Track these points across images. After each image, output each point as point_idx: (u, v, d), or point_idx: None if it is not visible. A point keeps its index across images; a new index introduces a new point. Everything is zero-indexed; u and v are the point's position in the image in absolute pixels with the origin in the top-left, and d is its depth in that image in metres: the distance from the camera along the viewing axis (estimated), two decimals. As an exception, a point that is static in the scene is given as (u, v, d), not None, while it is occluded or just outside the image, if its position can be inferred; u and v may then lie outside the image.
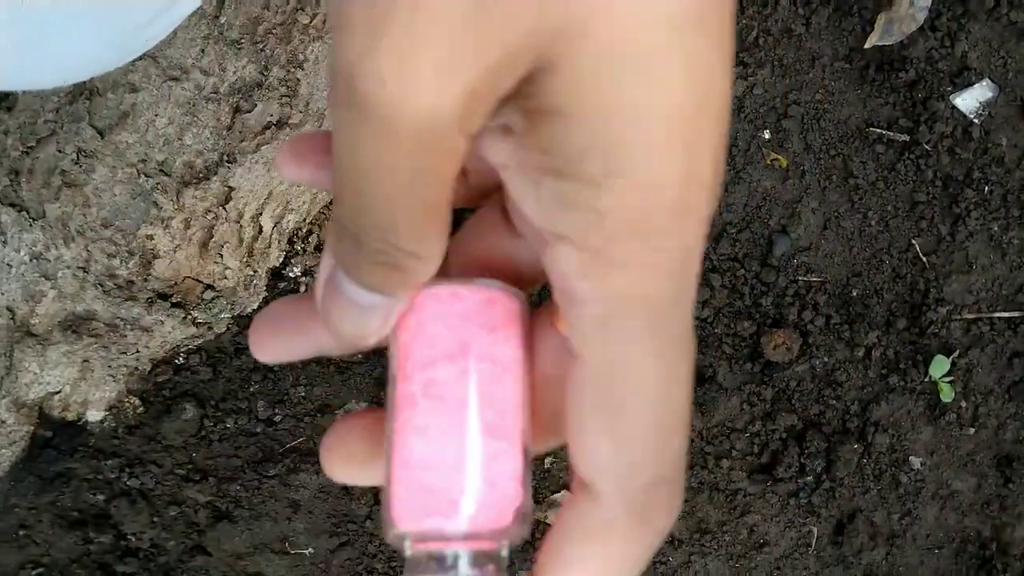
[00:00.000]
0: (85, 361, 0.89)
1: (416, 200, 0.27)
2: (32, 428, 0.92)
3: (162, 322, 0.89)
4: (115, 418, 0.97)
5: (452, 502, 0.29)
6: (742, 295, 1.11)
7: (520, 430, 0.30)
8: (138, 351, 0.91)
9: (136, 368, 0.94)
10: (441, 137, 0.26)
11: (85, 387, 0.92)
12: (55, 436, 0.94)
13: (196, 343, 0.97)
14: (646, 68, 0.26)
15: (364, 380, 1.05)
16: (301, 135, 0.34)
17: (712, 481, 1.11)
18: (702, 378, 1.10)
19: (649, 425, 0.28)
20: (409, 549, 0.30)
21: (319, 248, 1.03)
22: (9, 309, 0.85)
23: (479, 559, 0.29)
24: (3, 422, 0.90)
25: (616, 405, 0.28)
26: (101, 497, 1.00)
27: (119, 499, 1.00)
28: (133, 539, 1.02)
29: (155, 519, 1.02)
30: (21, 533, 0.99)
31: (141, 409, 0.98)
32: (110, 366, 0.91)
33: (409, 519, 0.29)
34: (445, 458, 0.29)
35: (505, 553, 0.30)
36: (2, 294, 0.85)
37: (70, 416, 0.94)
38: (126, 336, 0.88)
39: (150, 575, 1.02)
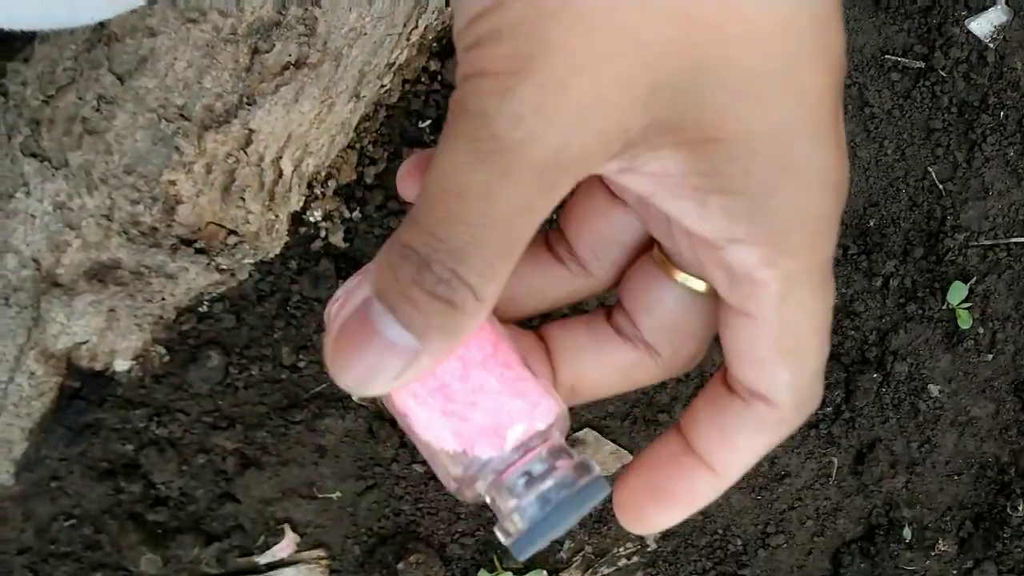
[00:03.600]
0: (111, 310, 0.89)
1: (505, 232, 0.28)
2: (61, 379, 0.93)
3: (186, 268, 0.89)
4: (142, 367, 0.98)
5: (499, 431, 0.33)
6: (760, 228, 1.11)
7: (518, 359, 0.34)
8: (163, 299, 0.91)
9: (161, 317, 0.94)
10: (561, 177, 0.28)
11: (112, 336, 0.92)
12: (83, 387, 0.95)
13: (219, 290, 0.97)
14: (787, 80, 0.29)
15: (386, 324, 1.06)
16: (417, 156, 0.35)
17: (733, 414, 1.12)
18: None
19: (817, 353, 0.33)
20: (488, 488, 0.33)
21: (337, 192, 1.03)
22: (35, 260, 0.85)
23: (552, 455, 0.33)
24: (32, 373, 0.90)
25: (793, 347, 0.33)
26: (130, 447, 1.01)
27: (148, 448, 1.01)
28: (163, 488, 1.02)
29: (183, 467, 1.03)
30: (52, 485, 1.00)
31: (167, 358, 0.99)
32: (136, 315, 0.91)
33: (474, 464, 0.33)
34: (469, 404, 0.33)
35: (561, 440, 0.34)
36: (27, 245, 0.85)
37: (98, 366, 0.94)
38: (151, 284, 0.88)
39: (180, 523, 1.03)
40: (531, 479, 0.33)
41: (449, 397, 0.32)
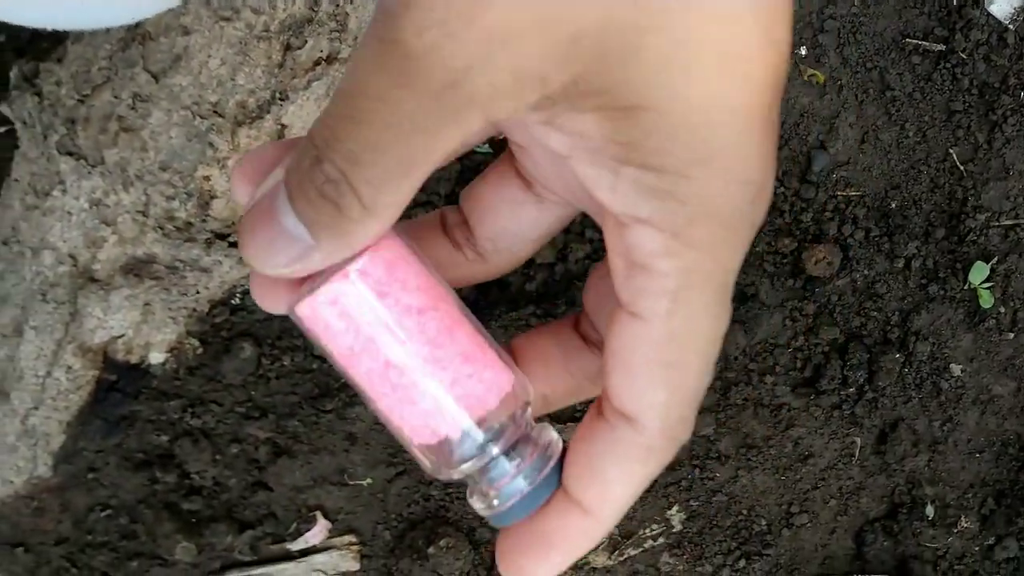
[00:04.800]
0: (147, 304, 0.91)
1: (400, 144, 0.27)
2: (97, 372, 0.94)
3: (220, 262, 0.90)
4: (176, 360, 0.99)
5: (471, 412, 0.34)
6: (782, 213, 1.12)
7: (482, 337, 0.34)
8: (197, 292, 0.92)
9: (195, 310, 0.95)
10: (465, 107, 0.27)
11: (147, 330, 0.93)
12: (119, 379, 0.96)
13: (251, 283, 0.98)
14: (724, 60, 0.27)
15: (414, 312, 1.07)
16: (254, 153, 0.33)
17: (757, 397, 1.13)
18: (744, 297, 1.12)
19: (697, 377, 0.31)
20: (454, 475, 0.35)
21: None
22: (71, 256, 0.87)
23: (526, 433, 0.35)
24: (70, 367, 0.92)
25: (675, 361, 0.31)
26: (165, 438, 1.02)
27: (182, 439, 1.02)
28: (197, 477, 1.04)
29: (217, 457, 1.04)
30: (89, 476, 1.01)
31: (200, 350, 1.00)
32: (170, 308, 0.93)
33: (440, 458, 0.34)
34: (433, 397, 0.33)
35: (528, 415, 0.35)
36: (64, 241, 0.86)
37: (133, 359, 0.96)
38: (186, 277, 0.90)
39: (214, 512, 1.05)
40: (510, 458, 0.34)
41: (415, 381, 0.33)
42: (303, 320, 0.33)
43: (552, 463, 0.34)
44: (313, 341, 0.34)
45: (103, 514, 1.03)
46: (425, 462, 0.35)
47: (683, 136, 0.28)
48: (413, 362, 0.32)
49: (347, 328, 0.32)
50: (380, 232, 0.30)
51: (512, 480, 0.34)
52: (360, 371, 0.33)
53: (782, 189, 1.12)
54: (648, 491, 1.19)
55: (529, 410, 0.35)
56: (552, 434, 0.35)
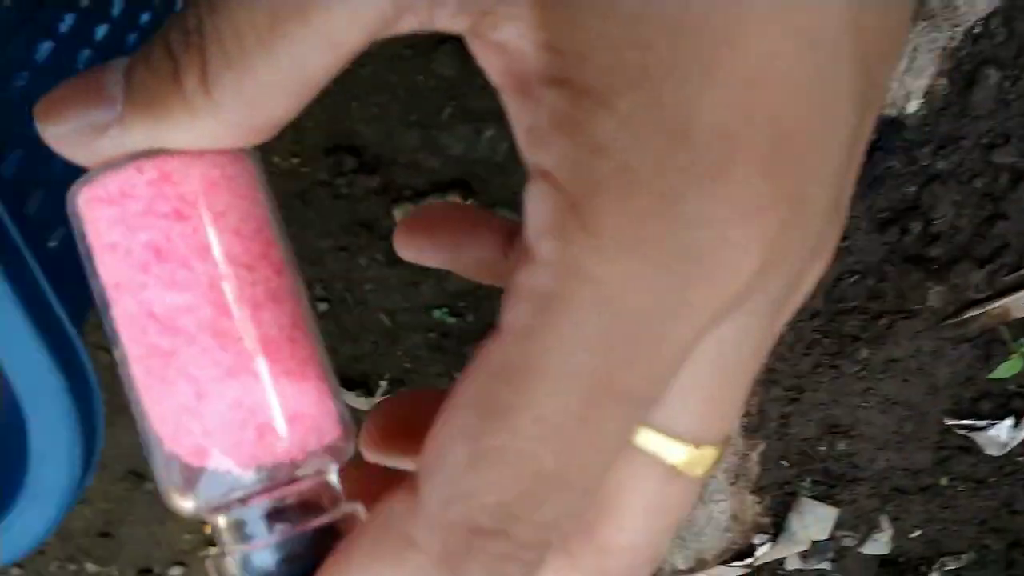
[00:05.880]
0: (914, 49, 0.89)
1: (267, 7, 0.20)
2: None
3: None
4: (927, 105, 0.98)
5: (242, 442, 0.23)
6: None
7: (314, 357, 0.24)
8: (956, 26, 0.90)
9: (945, 47, 0.93)
10: None
11: (908, 79, 0.92)
12: (880, 138, 0.97)
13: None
14: None
15: None
16: (415, 214, 0.30)
17: None
18: None
19: (525, 464, 0.19)
20: (199, 507, 0.24)
21: None
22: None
23: (305, 495, 0.24)
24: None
25: (498, 414, 0.20)
26: (912, 188, 1.02)
27: (929, 185, 1.02)
28: (937, 223, 1.04)
29: (956, 199, 1.03)
30: (843, 244, 1.04)
31: (947, 89, 0.98)
32: (930, 50, 0.91)
33: (184, 479, 0.24)
34: (196, 384, 0.23)
35: (332, 472, 0.24)
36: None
37: (892, 113, 0.95)
38: (957, 8, 0.87)
39: (955, 254, 1.04)
40: (273, 519, 0.24)
41: (177, 351, 0.23)
42: (76, 220, 0.24)
43: (324, 547, 0.24)
44: (83, 254, 0.24)
45: (852, 279, 1.05)
46: (166, 478, 0.24)
47: (615, 32, 0.18)
48: (184, 323, 0.23)
49: (117, 244, 0.23)
50: (211, 134, 0.22)
51: (262, 550, 0.24)
52: (119, 311, 0.23)
53: None
54: None
55: (335, 469, 0.25)
56: (354, 509, 0.25)
